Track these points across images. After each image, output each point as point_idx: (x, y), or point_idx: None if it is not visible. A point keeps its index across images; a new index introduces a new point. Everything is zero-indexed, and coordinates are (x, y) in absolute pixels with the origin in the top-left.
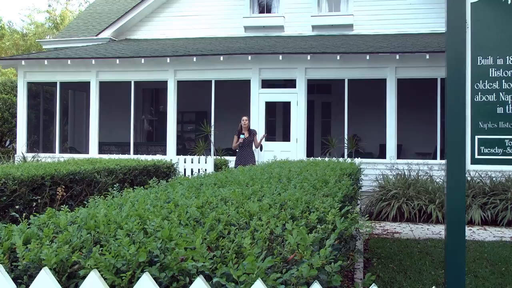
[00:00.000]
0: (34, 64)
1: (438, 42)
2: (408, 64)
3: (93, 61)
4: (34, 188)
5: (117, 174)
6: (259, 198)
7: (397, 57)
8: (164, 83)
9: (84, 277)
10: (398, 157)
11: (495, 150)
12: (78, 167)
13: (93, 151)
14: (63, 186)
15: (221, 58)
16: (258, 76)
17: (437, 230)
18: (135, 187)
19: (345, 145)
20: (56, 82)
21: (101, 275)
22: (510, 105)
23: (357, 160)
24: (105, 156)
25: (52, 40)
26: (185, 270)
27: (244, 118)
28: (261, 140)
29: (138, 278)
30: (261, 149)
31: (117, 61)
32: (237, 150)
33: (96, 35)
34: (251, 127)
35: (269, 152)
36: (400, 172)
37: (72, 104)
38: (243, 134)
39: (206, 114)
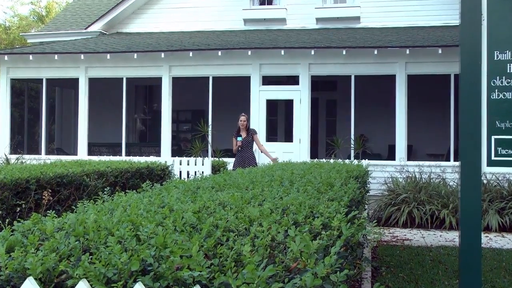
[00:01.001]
0: (18, 59)
1: (452, 35)
2: (419, 59)
3: (82, 56)
4: (18, 192)
5: (108, 177)
6: (260, 203)
7: (407, 51)
8: (158, 79)
9: None
10: (409, 158)
11: None
12: (66, 169)
13: (82, 152)
14: (50, 190)
15: (219, 53)
16: (258, 72)
17: (451, 237)
18: (127, 191)
19: (352, 145)
20: (42, 79)
21: (91, 285)
22: None
23: (365, 162)
24: (95, 158)
25: (37, 34)
26: (181, 279)
27: (242, 117)
28: (265, 151)
29: None
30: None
31: (108, 56)
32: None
33: (85, 29)
34: (251, 126)
35: (271, 153)
36: (410, 175)
37: (59, 102)
38: (240, 135)
39: (203, 113)
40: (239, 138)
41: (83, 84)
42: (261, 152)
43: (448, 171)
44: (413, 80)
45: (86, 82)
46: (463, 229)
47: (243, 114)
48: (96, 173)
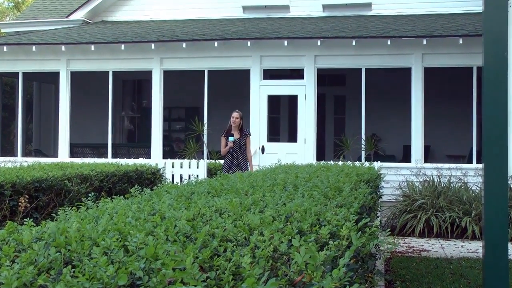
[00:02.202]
0: None
1: (474, 23)
2: (437, 51)
3: (63, 48)
4: None
5: (92, 181)
6: (261, 209)
7: (424, 42)
8: (148, 73)
9: None
10: (426, 160)
11: None
12: (45, 173)
13: (63, 154)
14: (27, 196)
15: (216, 44)
16: (259, 65)
17: (474, 248)
18: (113, 196)
19: (362, 146)
20: (18, 73)
21: None
22: None
23: (377, 164)
24: (77, 160)
25: (12, 23)
26: None
27: (235, 114)
28: (250, 159)
29: None
30: (262, 151)
31: (92, 47)
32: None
33: (66, 17)
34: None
35: (272, 155)
36: (428, 179)
37: (38, 99)
38: (232, 135)
39: (198, 110)
40: (231, 138)
41: (65, 78)
42: (248, 156)
43: (470, 174)
44: (430, 74)
45: (68, 76)
46: (487, 239)
47: (236, 110)
48: (79, 177)
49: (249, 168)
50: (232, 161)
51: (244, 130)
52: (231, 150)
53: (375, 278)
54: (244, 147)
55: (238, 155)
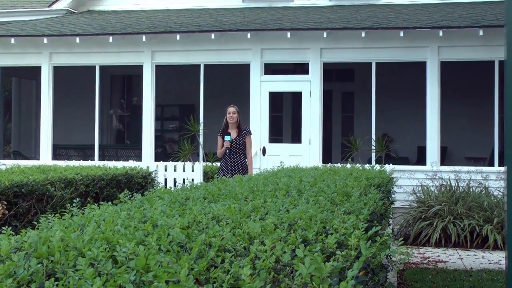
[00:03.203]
0: None
1: (496, 13)
2: (454, 43)
3: (45, 40)
4: None
5: (78, 186)
6: (262, 216)
7: (441, 33)
8: (139, 68)
9: None
10: (442, 163)
11: None
12: (25, 177)
13: (46, 156)
14: (5, 202)
15: (212, 35)
16: (259, 59)
17: (496, 259)
18: (101, 202)
19: (373, 147)
20: None
21: None
22: None
23: (388, 167)
24: (61, 163)
25: None
26: None
27: (231, 109)
28: (250, 161)
29: None
30: (263, 153)
31: (77, 39)
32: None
33: (48, 6)
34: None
35: (274, 157)
36: (445, 183)
37: (17, 96)
38: (229, 134)
39: (193, 108)
40: (227, 138)
41: (47, 73)
42: (248, 158)
43: (491, 178)
44: (447, 68)
45: (50, 71)
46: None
47: (232, 105)
48: (62, 181)
49: (248, 171)
50: (229, 164)
51: (242, 128)
52: (227, 151)
53: None
54: (242, 148)
55: (236, 157)
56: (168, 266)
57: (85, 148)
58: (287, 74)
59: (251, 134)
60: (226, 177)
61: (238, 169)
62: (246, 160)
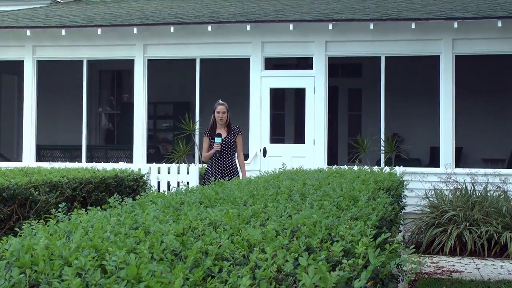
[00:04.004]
0: None
1: None
2: (471, 35)
3: (28, 32)
4: None
5: (63, 190)
6: (262, 222)
7: (455, 24)
8: (130, 62)
9: None
10: (457, 165)
11: None
12: (7, 180)
13: (29, 157)
14: None
15: (209, 27)
16: (260, 53)
17: None
18: (89, 207)
19: (382, 148)
20: None
21: None
22: None
23: (399, 169)
24: (45, 165)
25: None
26: None
27: (220, 107)
28: (242, 162)
29: None
30: (264, 154)
31: (63, 31)
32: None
33: None
34: (231, 122)
35: (276, 159)
36: (460, 186)
37: None
38: (219, 135)
39: (188, 106)
40: (218, 140)
41: (30, 68)
42: (240, 161)
43: (510, 181)
44: (463, 63)
45: (34, 65)
46: None
47: (220, 102)
48: (47, 184)
49: (240, 175)
50: (219, 167)
51: (232, 126)
52: (217, 154)
53: None
54: (233, 149)
55: (227, 159)
56: (161, 276)
57: (71, 149)
58: (290, 69)
59: (242, 133)
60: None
61: (228, 173)
62: (237, 162)
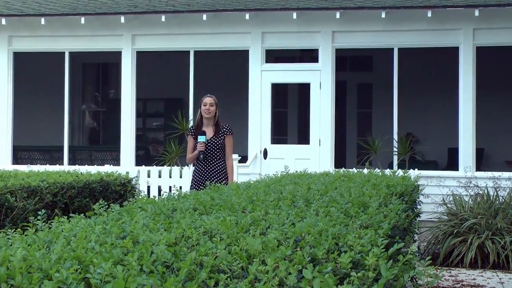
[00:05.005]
0: None
1: None
2: (493, 24)
3: (3, 21)
4: None
5: (43, 195)
6: (263, 231)
7: (476, 12)
8: (117, 55)
9: None
10: (478, 168)
11: None
12: None
13: (4, 160)
14: None
15: (204, 16)
16: (260, 44)
17: None
18: (71, 214)
19: (395, 149)
20: None
21: None
22: None
23: (413, 173)
24: (23, 168)
25: None
26: None
27: (207, 100)
28: (231, 167)
29: None
30: (265, 156)
31: (42, 20)
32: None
33: None
34: (221, 121)
35: (278, 161)
36: (481, 191)
37: None
38: (204, 133)
39: (181, 103)
40: (202, 138)
41: (5, 61)
42: (229, 166)
43: None
44: (485, 55)
45: (10, 58)
46: None
47: (209, 95)
48: (25, 189)
49: (229, 181)
50: (203, 172)
51: (221, 125)
52: (201, 155)
53: None
54: (221, 151)
55: (213, 163)
56: None
57: (52, 150)
58: (293, 62)
59: (232, 133)
60: (199, 186)
61: (218, 176)
62: (226, 166)
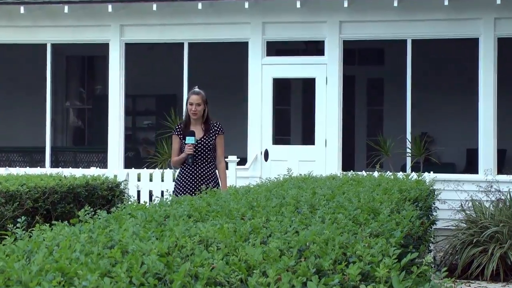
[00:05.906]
0: None
1: None
2: None
3: None
4: None
5: (23, 201)
6: (263, 239)
7: (498, 1)
8: (104, 47)
9: None
10: (500, 171)
11: None
12: None
13: None
14: None
15: (199, 5)
16: (260, 36)
17: None
18: (54, 222)
19: (408, 150)
20: None
21: None
22: None
23: (429, 176)
24: (0, 171)
25: None
26: None
27: (194, 97)
28: (223, 170)
29: None
30: (266, 158)
31: (22, 8)
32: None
33: None
34: (211, 118)
35: (280, 163)
36: (503, 197)
37: None
38: (192, 133)
39: (174, 100)
40: (191, 140)
41: None
42: (217, 169)
43: None
44: (507, 47)
45: None
46: None
47: (195, 89)
48: (3, 194)
49: (221, 187)
50: (191, 177)
51: (211, 123)
52: (190, 159)
53: None
54: (211, 152)
55: (202, 167)
56: None
57: (32, 151)
58: (296, 55)
59: (223, 132)
60: (186, 192)
61: (207, 180)
62: (217, 170)
